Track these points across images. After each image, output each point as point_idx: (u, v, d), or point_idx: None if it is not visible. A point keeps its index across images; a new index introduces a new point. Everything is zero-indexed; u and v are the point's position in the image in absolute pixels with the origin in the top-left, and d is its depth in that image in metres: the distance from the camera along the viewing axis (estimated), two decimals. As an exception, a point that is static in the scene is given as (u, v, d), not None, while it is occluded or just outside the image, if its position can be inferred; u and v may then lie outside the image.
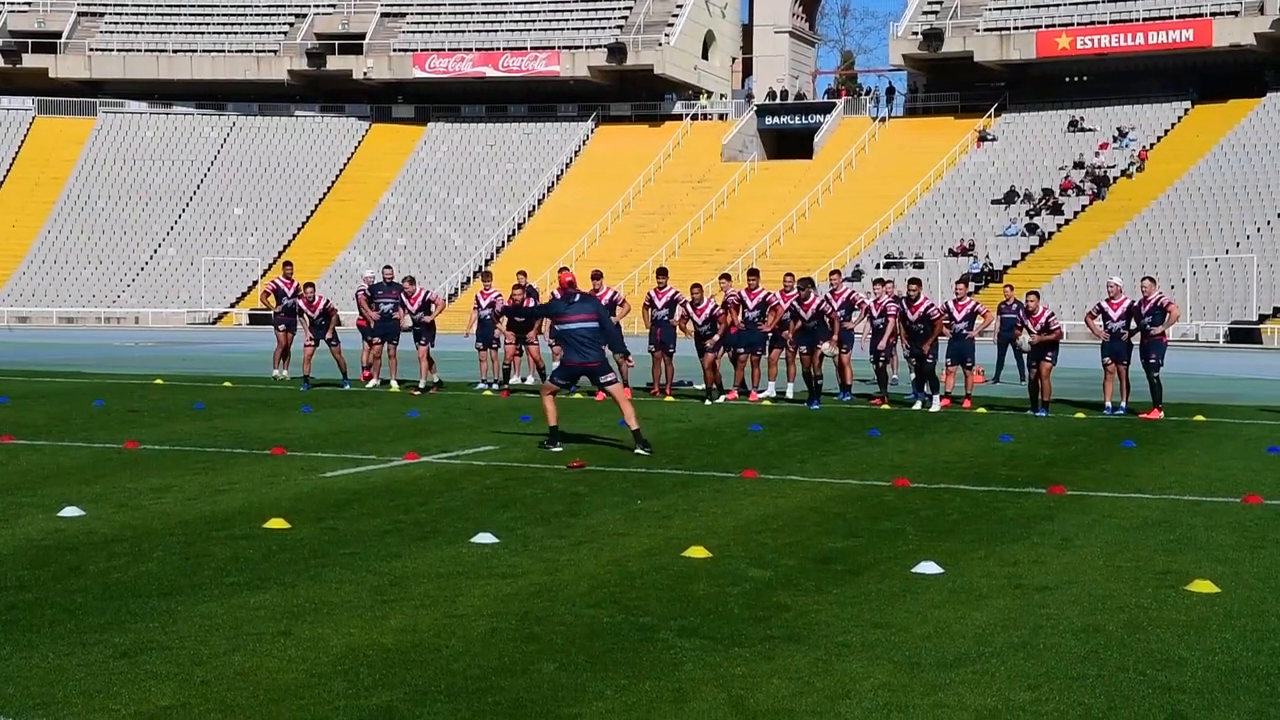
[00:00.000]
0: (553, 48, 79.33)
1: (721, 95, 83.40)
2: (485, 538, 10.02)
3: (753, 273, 24.29)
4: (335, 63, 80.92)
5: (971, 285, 27.97)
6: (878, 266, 60.82)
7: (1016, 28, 73.15)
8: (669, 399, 22.95)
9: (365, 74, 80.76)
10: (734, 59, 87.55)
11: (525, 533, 10.41)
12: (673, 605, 8.11)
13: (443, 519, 11.02)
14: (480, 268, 64.63)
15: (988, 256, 63.34)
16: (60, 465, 14.06)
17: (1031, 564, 9.47)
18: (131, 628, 7.39)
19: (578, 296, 16.55)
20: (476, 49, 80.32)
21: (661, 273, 24.77)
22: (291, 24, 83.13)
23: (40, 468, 13.86)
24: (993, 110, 74.94)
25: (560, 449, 15.59)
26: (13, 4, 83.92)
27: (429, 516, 11.13)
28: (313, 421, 19.09)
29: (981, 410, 21.56)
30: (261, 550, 9.58)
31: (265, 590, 8.35)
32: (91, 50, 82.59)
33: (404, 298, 25.32)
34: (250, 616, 7.68)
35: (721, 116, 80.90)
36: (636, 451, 15.36)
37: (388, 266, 29.01)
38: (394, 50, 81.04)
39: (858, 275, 58.31)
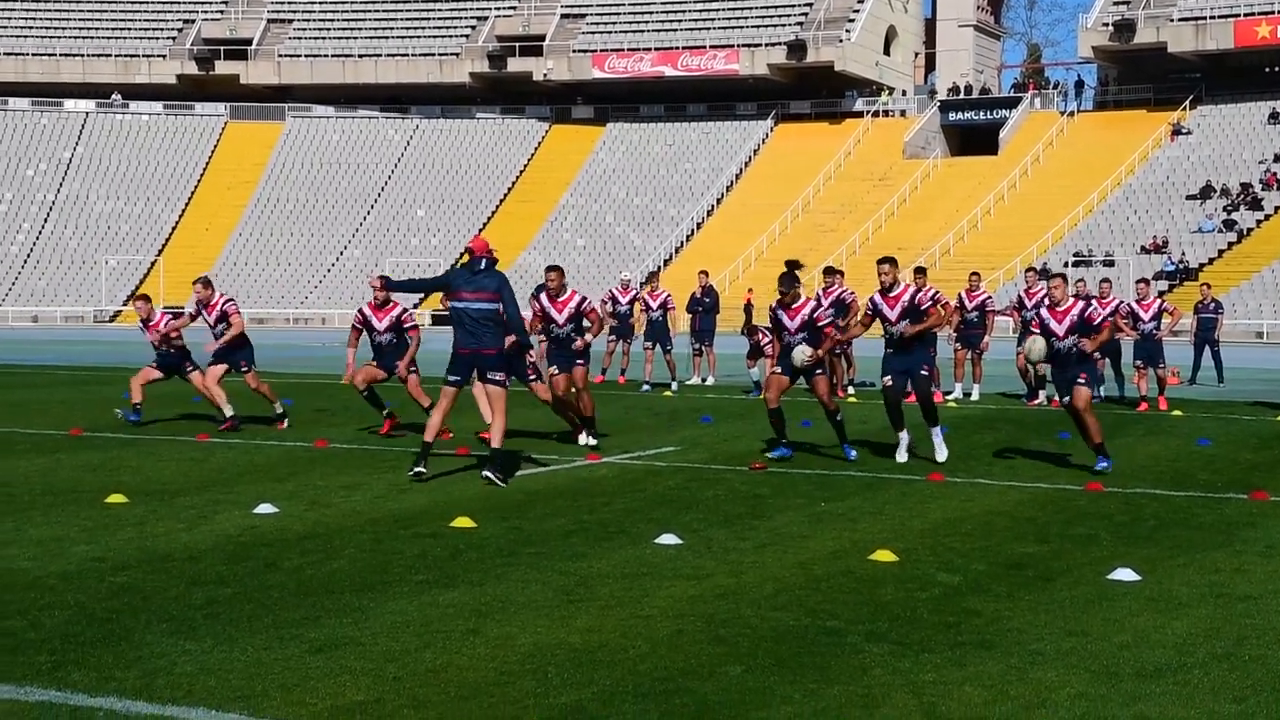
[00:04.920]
0: (732, 46, 79.25)
1: (903, 91, 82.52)
2: (669, 539, 10.00)
3: (921, 270, 23.75)
4: (515, 65, 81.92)
5: (1156, 284, 27.12)
6: (1066, 265, 59.57)
7: (1213, 17, 71.02)
8: (852, 398, 22.71)
9: (545, 75, 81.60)
10: (916, 54, 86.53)
11: (709, 534, 10.37)
12: (860, 609, 7.99)
13: (626, 519, 11.03)
14: (655, 270, 64.94)
15: (1183, 254, 61.62)
16: (254, 463, 14.42)
17: (1234, 572, 9.14)
18: (325, 624, 7.52)
19: (484, 264, 13.18)
20: (655, 49, 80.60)
21: (829, 271, 24.13)
22: (473, 27, 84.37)
23: (235, 465, 14.22)
24: (1188, 103, 72.87)
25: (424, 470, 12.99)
26: (206, 13, 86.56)
27: (612, 517, 11.16)
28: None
29: (1177, 413, 20.94)
30: (449, 549, 9.68)
31: (454, 588, 8.43)
32: (280, 57, 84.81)
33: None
34: (440, 614, 7.76)
35: (903, 113, 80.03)
36: (484, 475, 12.80)
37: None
38: (573, 51, 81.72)
39: (1045, 273, 57.19)
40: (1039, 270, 26.49)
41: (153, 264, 75.04)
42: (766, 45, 78.72)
